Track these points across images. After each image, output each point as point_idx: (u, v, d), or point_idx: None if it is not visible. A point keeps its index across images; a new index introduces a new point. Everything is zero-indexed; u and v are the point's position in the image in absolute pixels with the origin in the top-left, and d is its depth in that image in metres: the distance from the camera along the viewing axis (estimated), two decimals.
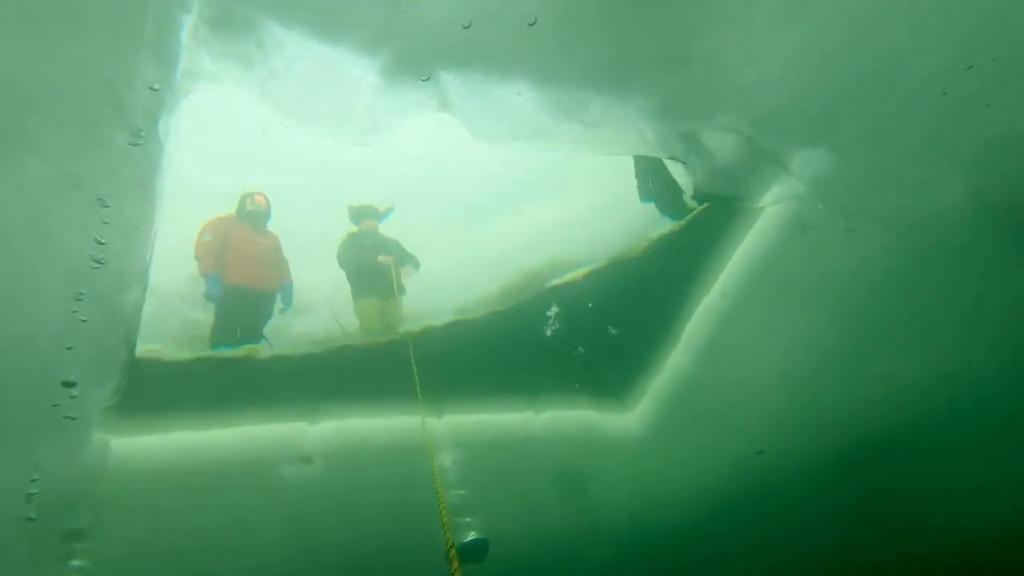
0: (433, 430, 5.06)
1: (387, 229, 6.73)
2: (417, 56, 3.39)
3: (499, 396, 5.46)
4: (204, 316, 5.52)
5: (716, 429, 5.03)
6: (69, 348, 2.89)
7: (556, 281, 5.83)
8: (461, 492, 4.85)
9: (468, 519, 4.70)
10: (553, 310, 5.66)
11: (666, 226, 5.80)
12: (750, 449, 4.85)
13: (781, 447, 4.76)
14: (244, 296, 5.26)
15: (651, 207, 6.23)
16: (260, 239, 5.60)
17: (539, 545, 4.76)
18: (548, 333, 5.66)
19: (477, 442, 5.02)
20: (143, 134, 3.08)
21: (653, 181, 6.19)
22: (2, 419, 2.71)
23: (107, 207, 2.90)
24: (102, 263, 2.96)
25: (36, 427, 2.95)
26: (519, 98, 3.70)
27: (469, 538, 4.54)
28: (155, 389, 3.85)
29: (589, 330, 5.73)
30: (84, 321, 2.92)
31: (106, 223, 2.93)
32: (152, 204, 3.48)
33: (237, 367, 4.54)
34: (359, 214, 6.62)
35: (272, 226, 5.87)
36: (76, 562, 3.05)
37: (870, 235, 4.04)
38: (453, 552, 1.96)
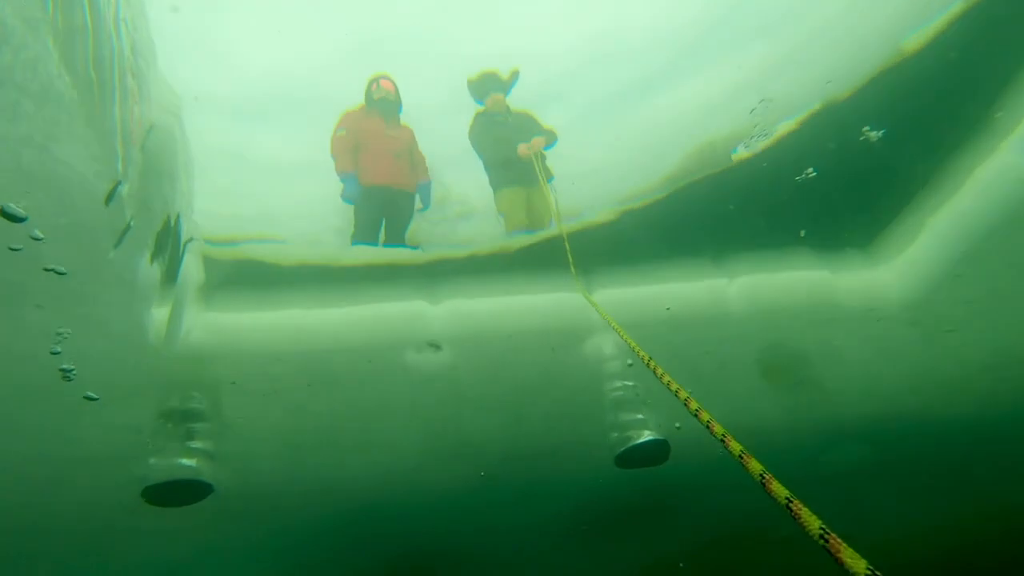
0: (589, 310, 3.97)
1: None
2: None
3: (671, 263, 4.06)
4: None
5: None
6: None
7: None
8: (628, 383, 3.74)
9: (640, 415, 3.61)
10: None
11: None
12: None
13: None
14: (381, 196, 4.70)
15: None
16: (392, 132, 4.91)
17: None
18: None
19: (644, 319, 3.76)
20: None
21: None
22: None
23: None
24: None
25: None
26: None
27: (643, 438, 3.46)
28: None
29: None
30: None
31: None
32: None
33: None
34: (481, 87, 5.36)
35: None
36: (196, 443, 2.86)
37: None
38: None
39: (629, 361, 3.77)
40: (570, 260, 4.09)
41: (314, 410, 3.54)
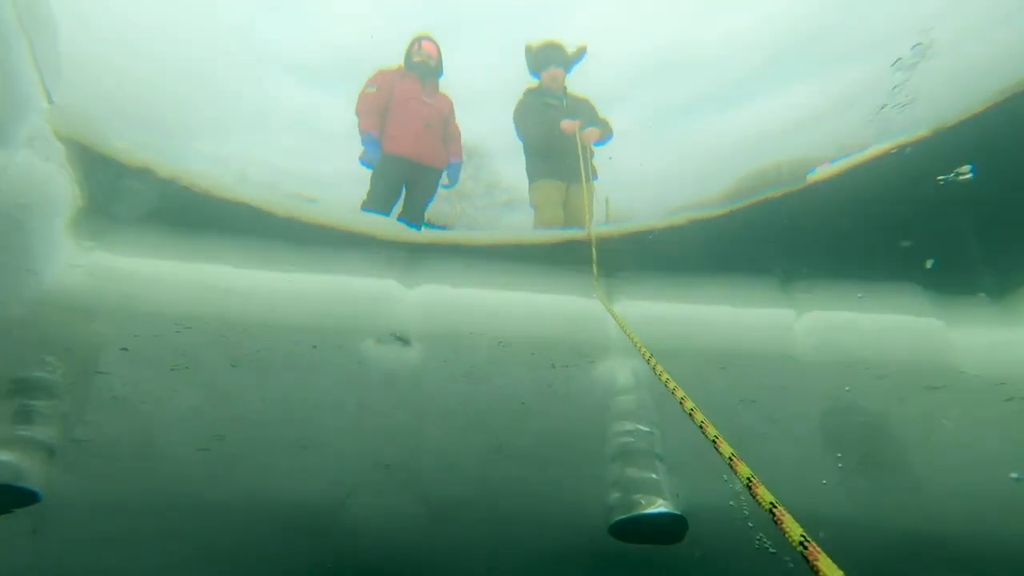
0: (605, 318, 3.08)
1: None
2: None
3: (722, 281, 3.13)
4: None
5: None
6: None
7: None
8: (643, 428, 2.82)
9: (654, 475, 2.68)
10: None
11: None
12: None
13: None
14: (402, 167, 4.16)
15: None
16: (428, 99, 4.34)
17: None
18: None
19: (676, 345, 2.83)
20: None
21: None
22: None
23: None
24: None
25: None
26: None
27: (653, 508, 2.53)
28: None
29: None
30: None
31: None
32: None
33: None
34: (541, 57, 4.59)
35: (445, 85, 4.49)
36: (29, 431, 2.08)
37: None
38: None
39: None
40: (593, 256, 3.20)
41: (239, 398, 2.76)
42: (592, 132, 4.40)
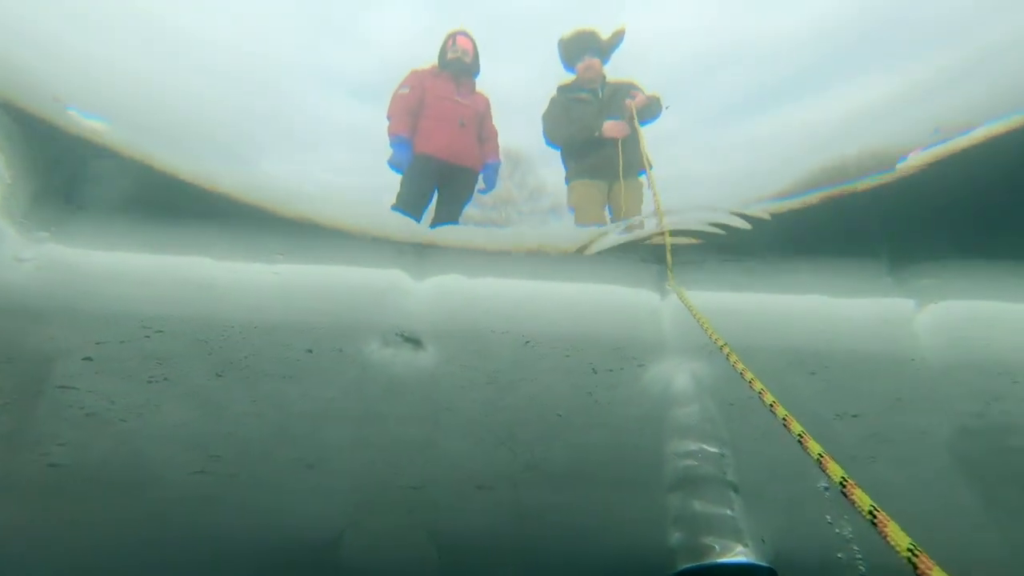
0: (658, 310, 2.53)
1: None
2: None
3: (819, 265, 2.48)
4: None
5: None
6: None
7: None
8: (712, 449, 2.23)
9: (729, 511, 2.09)
10: None
11: None
12: None
13: None
14: (434, 169, 3.92)
15: None
16: (463, 99, 4.10)
17: None
18: None
19: (744, 344, 2.21)
20: None
21: None
22: None
23: None
24: None
25: None
26: None
27: (731, 557, 1.94)
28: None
29: None
30: None
31: None
32: None
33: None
34: (574, 48, 4.18)
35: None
36: None
37: None
38: None
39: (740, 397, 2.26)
40: (667, 243, 2.63)
41: (229, 411, 2.39)
42: (638, 98, 3.85)
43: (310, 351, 2.41)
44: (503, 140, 4.36)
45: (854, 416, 2.15)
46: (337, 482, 2.54)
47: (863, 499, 0.69)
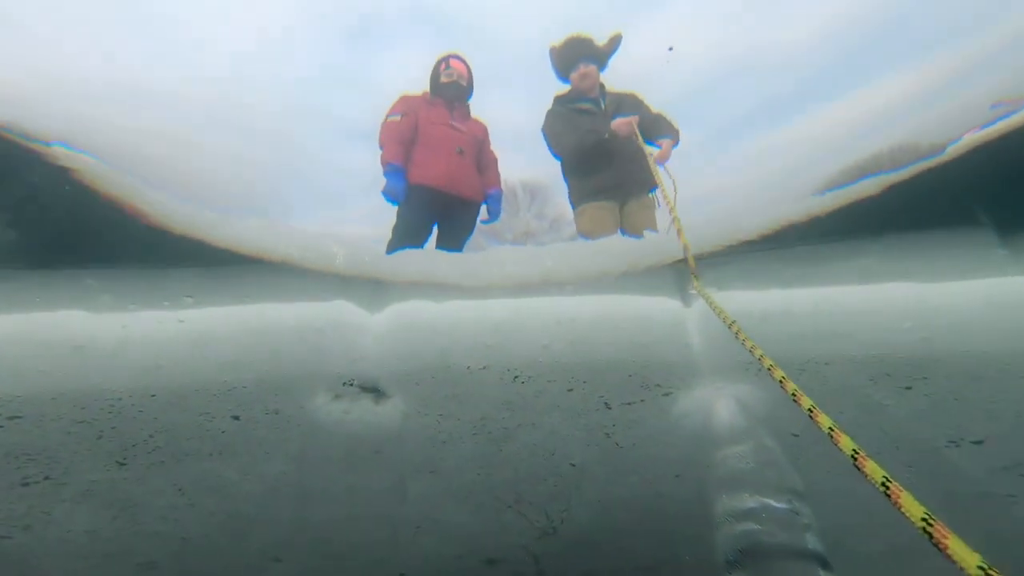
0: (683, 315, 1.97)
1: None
2: None
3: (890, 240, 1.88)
4: None
5: None
6: None
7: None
8: (777, 505, 1.63)
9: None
10: None
11: None
12: None
13: None
14: (432, 200, 3.65)
15: None
16: (459, 125, 3.86)
17: None
18: None
19: (802, 354, 1.62)
20: None
21: None
22: None
23: None
24: None
25: None
26: None
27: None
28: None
29: None
30: None
31: None
32: None
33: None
34: (567, 56, 3.73)
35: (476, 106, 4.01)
36: None
37: None
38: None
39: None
40: (684, 242, 2.06)
41: (144, 511, 1.85)
42: (665, 148, 3.43)
43: (236, 418, 1.86)
44: (517, 172, 4.00)
45: (976, 443, 1.55)
46: None
47: (875, 471, 0.69)
